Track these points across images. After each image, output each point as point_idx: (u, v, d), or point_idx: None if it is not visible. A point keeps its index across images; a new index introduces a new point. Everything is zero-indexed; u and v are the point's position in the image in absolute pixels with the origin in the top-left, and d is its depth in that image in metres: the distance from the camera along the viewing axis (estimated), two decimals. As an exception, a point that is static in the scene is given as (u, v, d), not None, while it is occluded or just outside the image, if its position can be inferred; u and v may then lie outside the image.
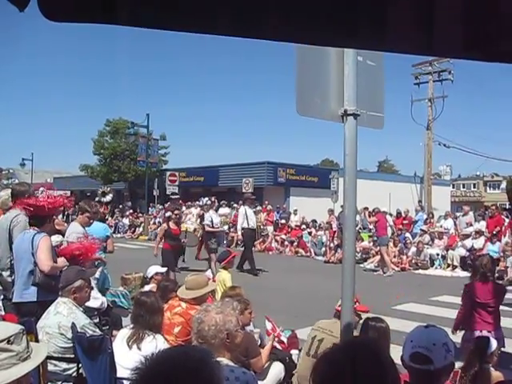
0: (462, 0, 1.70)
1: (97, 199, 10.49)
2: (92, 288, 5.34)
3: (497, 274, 15.23)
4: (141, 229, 30.26)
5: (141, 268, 8.54)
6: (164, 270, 8.28)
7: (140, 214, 32.53)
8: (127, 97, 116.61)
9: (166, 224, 13.12)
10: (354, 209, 3.52)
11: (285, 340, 5.77)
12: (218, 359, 1.81)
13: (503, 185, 63.44)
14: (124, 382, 4.01)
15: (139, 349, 4.31)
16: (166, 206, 20.93)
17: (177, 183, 31.91)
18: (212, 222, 15.07)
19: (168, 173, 32.65)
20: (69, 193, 30.83)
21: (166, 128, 42.37)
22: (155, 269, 8.00)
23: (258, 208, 23.54)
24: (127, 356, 4.19)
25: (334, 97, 3.44)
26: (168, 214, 13.57)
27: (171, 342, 5.00)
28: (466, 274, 16.17)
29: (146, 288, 7.26)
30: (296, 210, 25.85)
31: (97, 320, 5.95)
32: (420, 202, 29.72)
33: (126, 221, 31.81)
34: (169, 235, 12.73)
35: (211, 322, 3.06)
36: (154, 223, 29.59)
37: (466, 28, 1.76)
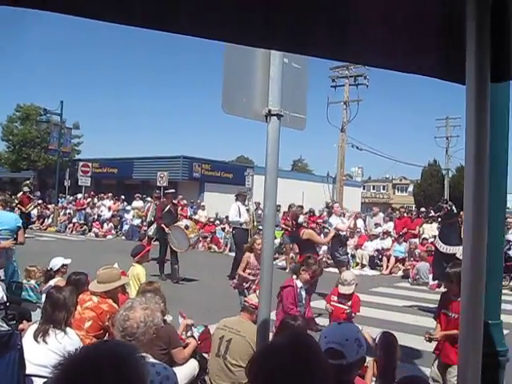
0: (379, 14, 1.77)
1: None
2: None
3: (402, 273, 16.06)
4: (50, 220, 29.23)
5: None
6: (69, 261, 7.84)
7: (49, 205, 31.43)
8: (41, 84, 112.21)
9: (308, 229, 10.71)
10: (274, 207, 3.56)
11: (197, 336, 5.77)
12: (143, 355, 1.78)
13: (410, 188, 66.18)
14: (33, 378, 3.88)
15: (47, 343, 4.17)
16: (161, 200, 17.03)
17: (89, 174, 31.14)
18: None
19: (80, 163, 31.80)
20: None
21: (80, 118, 41.33)
22: (61, 261, 7.65)
23: (251, 205, 21.05)
24: (36, 352, 4.06)
25: (259, 97, 3.48)
26: (301, 219, 10.77)
27: (82, 338, 4.87)
28: (374, 272, 16.81)
29: (51, 282, 7.00)
30: (204, 206, 25.79)
31: (3, 314, 5.71)
32: (333, 201, 30.41)
33: (34, 211, 30.64)
34: None
35: (140, 318, 3.02)
36: (65, 214, 28.71)
37: (392, 39, 1.84)
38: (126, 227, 25.66)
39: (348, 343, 2.79)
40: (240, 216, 13.99)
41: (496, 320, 3.45)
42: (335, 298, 7.46)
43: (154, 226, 14.81)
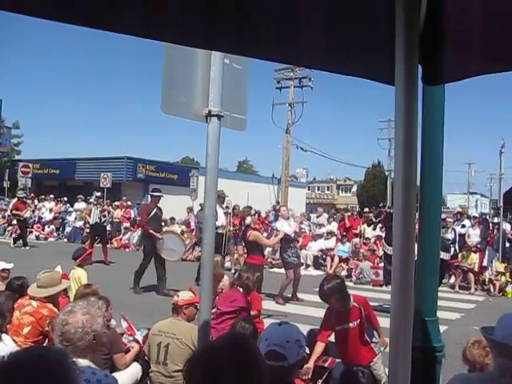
0: (314, 16, 1.79)
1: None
2: None
3: (346, 273, 16.31)
4: (-12, 223, 28.32)
5: (-13, 265, 7.96)
6: (11, 266, 7.62)
7: (-13, 207, 30.42)
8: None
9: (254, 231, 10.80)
10: (214, 208, 3.56)
11: (140, 339, 5.69)
12: (80, 361, 1.74)
13: (354, 188, 67.35)
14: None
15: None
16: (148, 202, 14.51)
17: (30, 175, 30.29)
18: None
19: (20, 164, 30.86)
20: None
21: (21, 119, 40.30)
22: (1, 265, 7.45)
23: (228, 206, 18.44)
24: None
25: (199, 97, 3.47)
26: (248, 220, 10.89)
27: (20, 344, 4.74)
28: (319, 272, 17.01)
29: (-10, 286, 6.80)
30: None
31: None
32: (278, 202, 30.62)
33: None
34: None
35: (78, 323, 2.92)
36: (4, 217, 27.83)
37: (327, 41, 1.87)
38: (68, 229, 25.11)
39: (289, 345, 2.81)
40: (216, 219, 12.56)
41: (432, 317, 3.53)
42: None
43: (138, 232, 13.64)
